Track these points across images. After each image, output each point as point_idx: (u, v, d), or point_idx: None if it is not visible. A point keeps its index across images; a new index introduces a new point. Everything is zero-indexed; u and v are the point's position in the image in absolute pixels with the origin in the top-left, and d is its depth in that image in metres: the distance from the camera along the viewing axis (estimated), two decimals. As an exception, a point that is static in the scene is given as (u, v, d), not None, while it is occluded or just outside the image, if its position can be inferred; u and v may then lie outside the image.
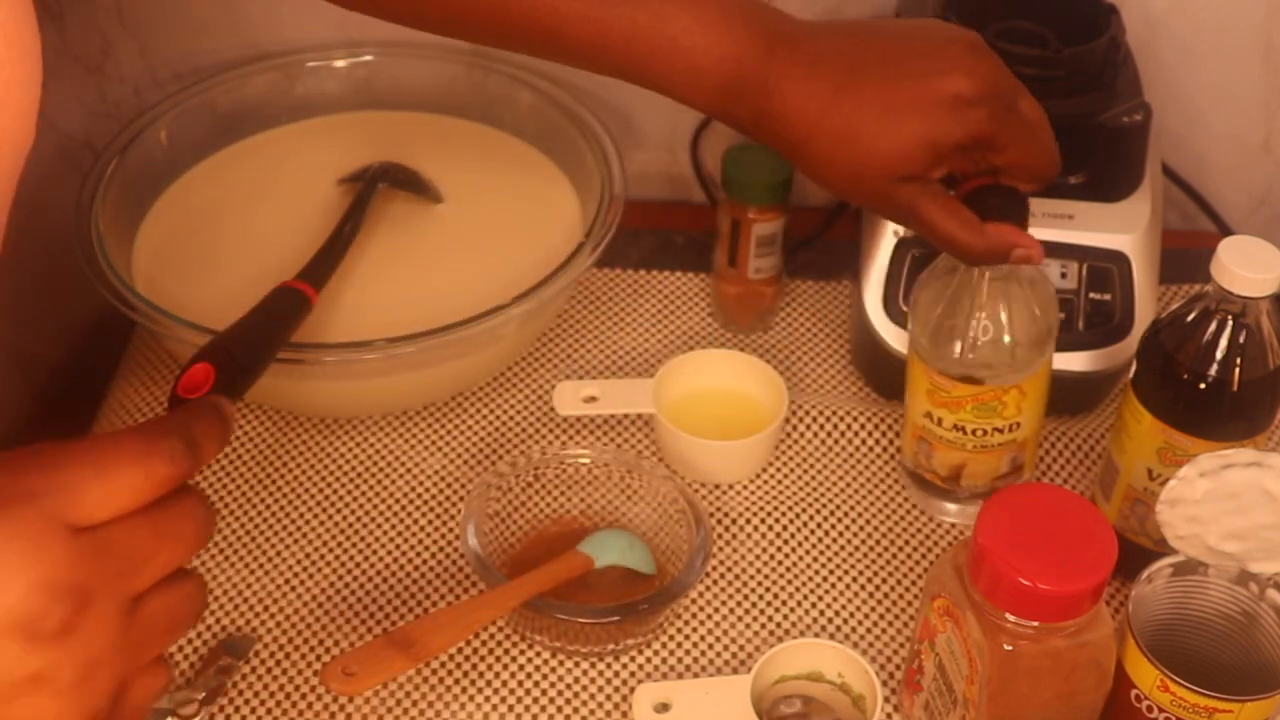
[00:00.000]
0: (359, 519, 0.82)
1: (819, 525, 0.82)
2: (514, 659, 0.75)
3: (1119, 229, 0.83)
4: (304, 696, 0.73)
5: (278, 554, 0.80)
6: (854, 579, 0.80)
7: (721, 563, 0.80)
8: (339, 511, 0.83)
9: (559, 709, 0.73)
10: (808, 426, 0.88)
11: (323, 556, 0.80)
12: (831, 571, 0.80)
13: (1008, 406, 0.74)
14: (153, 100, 0.99)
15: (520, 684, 0.74)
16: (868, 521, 0.83)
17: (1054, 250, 0.82)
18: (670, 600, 0.74)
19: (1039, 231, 0.71)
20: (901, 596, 0.79)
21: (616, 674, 0.75)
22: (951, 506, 0.82)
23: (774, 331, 0.95)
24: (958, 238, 0.68)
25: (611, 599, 0.75)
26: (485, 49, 0.96)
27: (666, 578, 0.77)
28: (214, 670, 0.73)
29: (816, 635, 0.76)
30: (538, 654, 0.75)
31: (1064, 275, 0.82)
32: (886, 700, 0.73)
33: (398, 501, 0.83)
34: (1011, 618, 0.60)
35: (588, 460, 0.80)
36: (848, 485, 0.85)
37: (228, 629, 0.76)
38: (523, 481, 0.79)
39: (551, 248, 0.88)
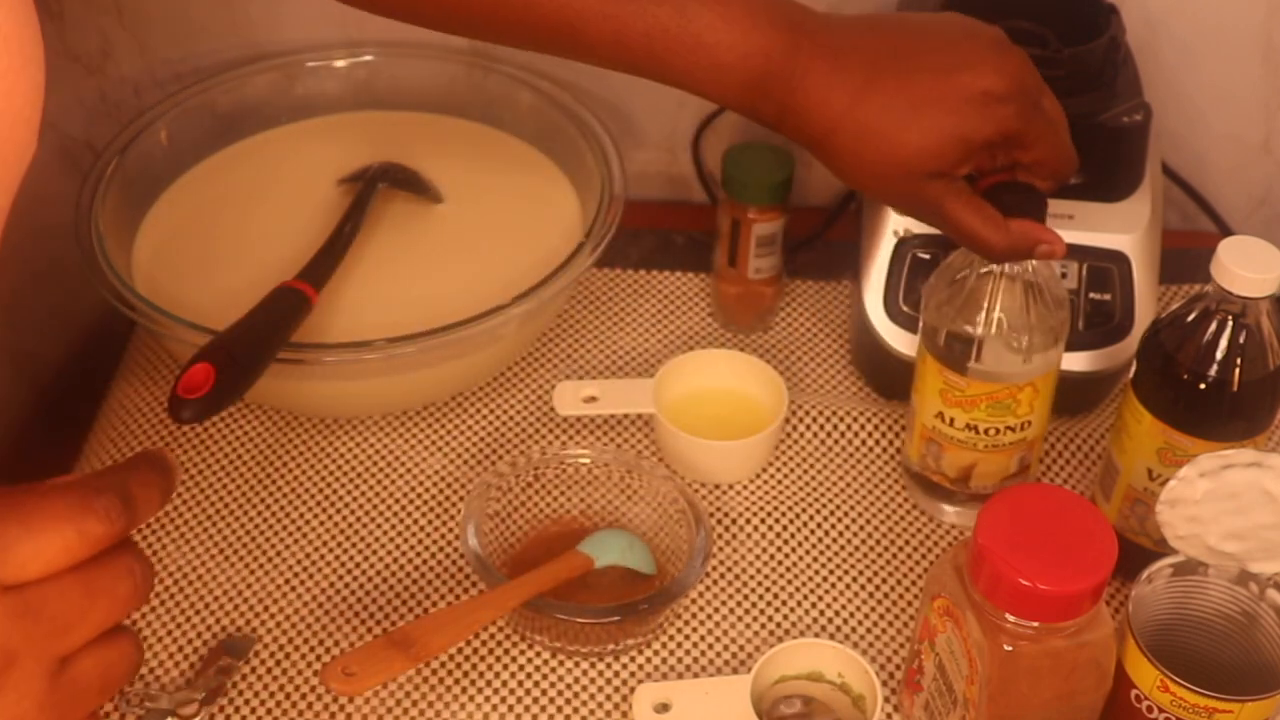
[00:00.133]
0: (359, 519, 0.82)
1: (819, 525, 0.82)
2: (514, 659, 0.75)
3: (1119, 229, 0.83)
4: (304, 696, 0.73)
5: (278, 554, 0.80)
6: (854, 579, 0.80)
7: (721, 563, 0.80)
8: (339, 511, 0.83)
9: (559, 709, 0.73)
10: (808, 426, 0.88)
11: (323, 556, 0.80)
12: (831, 571, 0.80)
13: (1021, 404, 0.74)
14: (153, 100, 0.99)
15: (520, 684, 0.74)
16: (868, 521, 0.83)
17: (1055, 250, 0.82)
18: (670, 600, 0.74)
19: (1039, 231, 0.71)
20: (901, 596, 0.79)
21: (616, 674, 0.75)
22: (953, 509, 0.82)
23: (774, 331, 0.95)
24: (983, 234, 0.68)
25: (611, 599, 0.75)
26: (485, 49, 0.96)
27: (666, 578, 0.77)
28: (214, 670, 0.73)
29: (816, 635, 0.76)
30: (538, 654, 0.75)
31: (1064, 275, 0.82)
32: (886, 700, 0.73)
33: (398, 501, 0.83)
34: (1011, 618, 0.60)
35: (588, 460, 0.80)
36: (848, 485, 0.85)
37: (228, 629, 0.76)
38: (523, 481, 0.79)
39: (551, 248, 0.88)
